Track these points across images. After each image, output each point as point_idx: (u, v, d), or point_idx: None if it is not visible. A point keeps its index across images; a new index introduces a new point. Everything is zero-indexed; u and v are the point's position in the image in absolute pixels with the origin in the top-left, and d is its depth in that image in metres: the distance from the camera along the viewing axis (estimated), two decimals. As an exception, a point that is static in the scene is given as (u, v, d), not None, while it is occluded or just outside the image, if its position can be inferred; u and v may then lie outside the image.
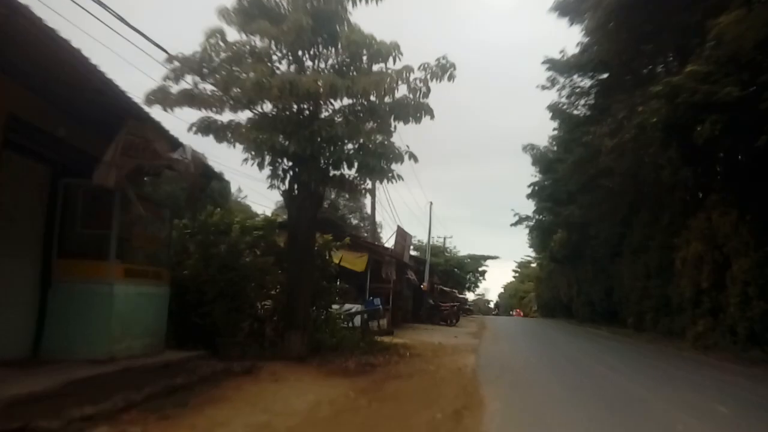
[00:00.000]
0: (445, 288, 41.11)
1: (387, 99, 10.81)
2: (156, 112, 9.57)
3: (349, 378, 9.71)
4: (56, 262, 7.58)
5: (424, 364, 11.96)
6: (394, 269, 21.82)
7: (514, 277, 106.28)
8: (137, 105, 6.93)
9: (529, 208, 48.23)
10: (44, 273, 7.52)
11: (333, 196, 54.22)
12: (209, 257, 10.71)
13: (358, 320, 17.67)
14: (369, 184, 12.09)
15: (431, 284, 32.39)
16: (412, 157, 11.00)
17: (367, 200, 50.76)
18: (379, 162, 10.36)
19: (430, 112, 11.32)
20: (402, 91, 11.10)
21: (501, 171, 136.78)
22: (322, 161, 10.68)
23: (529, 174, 41.64)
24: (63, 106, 7.17)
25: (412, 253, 30.14)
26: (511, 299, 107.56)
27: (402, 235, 24.00)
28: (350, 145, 10.59)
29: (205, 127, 10.92)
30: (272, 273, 12.11)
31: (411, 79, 10.70)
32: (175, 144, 8.23)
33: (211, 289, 10.10)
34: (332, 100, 10.79)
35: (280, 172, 11.05)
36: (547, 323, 40.19)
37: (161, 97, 10.08)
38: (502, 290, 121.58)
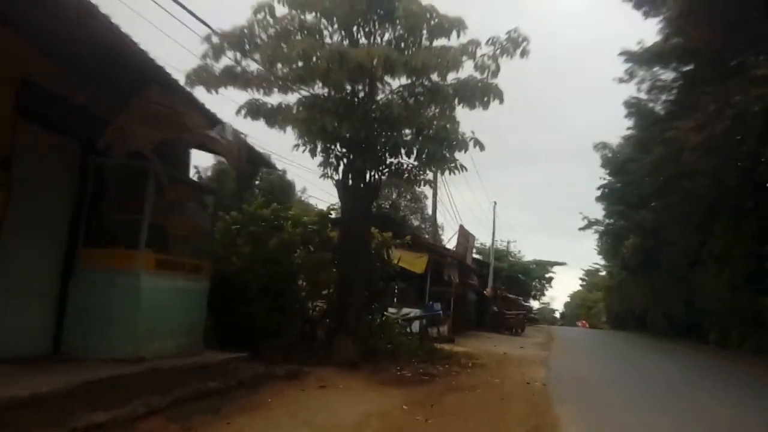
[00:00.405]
0: (509, 294, 39.36)
1: (450, 78, 9.74)
2: (201, 95, 8.84)
3: (404, 388, 8.65)
4: (81, 249, 6.86)
5: (489, 376, 10.73)
6: (456, 272, 20.57)
7: (581, 285, 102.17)
8: (163, 70, 6.12)
9: (597, 212, 45.83)
10: (67, 261, 6.82)
11: (395, 196, 53.74)
12: (256, 251, 9.88)
13: (416, 326, 16.58)
14: (429, 175, 10.96)
15: (495, 290, 30.86)
16: (478, 144, 9.83)
17: (428, 201, 49.57)
18: (441, 148, 9.26)
19: (499, 95, 10.16)
20: (467, 70, 10.02)
21: (567, 174, 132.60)
22: (378, 147, 9.67)
23: (597, 177, 39.35)
24: (84, 73, 6.44)
25: (475, 256, 28.77)
26: (578, 309, 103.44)
27: (464, 235, 22.71)
28: (408, 130, 9.51)
29: (254, 110, 10.13)
30: (326, 270, 11.21)
31: (478, 55, 9.59)
32: (212, 121, 7.42)
33: (253, 286, 9.25)
34: (389, 79, 9.80)
35: (333, 159, 10.12)
36: (618, 336, 37.71)
37: (203, 76, 9.36)
38: (568, 299, 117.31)
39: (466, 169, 10.19)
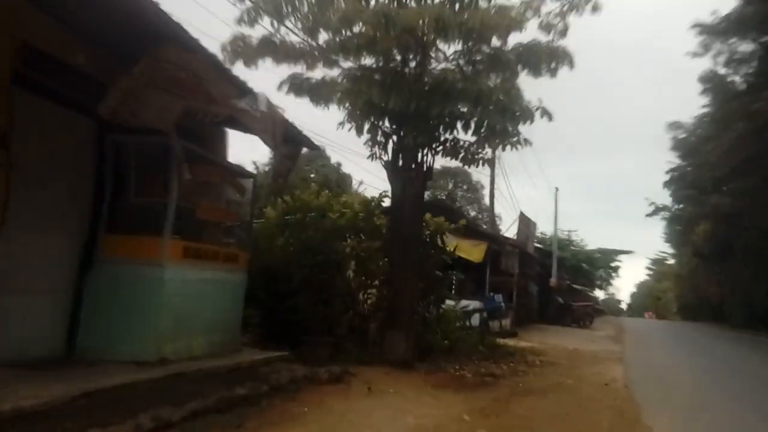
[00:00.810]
0: (575, 285, 37.44)
1: (512, 42, 8.61)
2: (240, 71, 8.00)
3: (464, 392, 7.64)
4: (103, 238, 6.13)
5: (560, 376, 9.55)
6: (517, 261, 19.26)
7: (648, 275, 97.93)
8: (179, 26, 5.26)
9: (664, 199, 43.27)
10: (86, 251, 6.10)
11: (450, 187, 52.32)
12: (300, 240, 9.03)
13: (476, 319, 15.43)
14: (488, 153, 9.82)
15: (560, 280, 29.21)
16: (546, 114, 8.63)
17: (485, 191, 48.00)
18: (503, 120, 8.12)
19: (568, 60, 8.98)
20: (531, 32, 8.85)
21: (629, 162, 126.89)
22: (431, 121, 8.61)
23: (661, 164, 37.19)
24: (94, 38, 5.67)
25: (536, 245, 27.24)
26: (646, 300, 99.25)
27: (525, 222, 21.32)
28: (465, 101, 8.39)
29: (297, 86, 9.26)
30: (376, 260, 10.27)
31: (543, 12, 8.42)
32: (242, 90, 6.55)
33: (295, 277, 8.40)
34: (442, 45, 8.73)
35: (380, 137, 9.13)
36: (693, 327, 35.25)
37: (239, 47, 8.53)
38: (634, 289, 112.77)
39: (531, 143, 9.02)
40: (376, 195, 10.90)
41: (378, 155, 9.32)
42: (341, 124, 9.02)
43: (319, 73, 9.36)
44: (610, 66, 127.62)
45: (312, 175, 36.47)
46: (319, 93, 9.21)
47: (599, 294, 62.63)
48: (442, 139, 9.07)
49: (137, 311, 5.92)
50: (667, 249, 67.67)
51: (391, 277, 9.30)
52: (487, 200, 41.23)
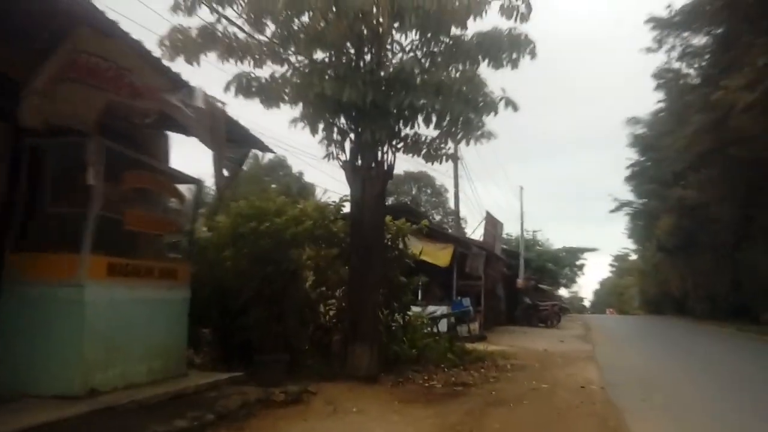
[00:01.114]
0: (541, 285, 37.36)
1: (472, 29, 8.11)
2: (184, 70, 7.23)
3: (433, 405, 7.05)
4: (10, 256, 5.31)
5: (534, 381, 9.03)
6: (483, 263, 18.79)
7: (611, 272, 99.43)
8: (93, 6, 4.53)
9: (627, 195, 43.78)
10: (-6, 272, 5.28)
11: (414, 192, 51.89)
12: (247, 250, 8.30)
13: (443, 325, 14.89)
14: (451, 148, 9.25)
15: (527, 281, 28.95)
16: (510, 104, 8.13)
17: (449, 195, 47.57)
18: (466, 109, 7.57)
19: (530, 49, 8.52)
20: (492, 19, 8.35)
21: (587, 162, 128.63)
22: (390, 115, 7.99)
23: (620, 162, 37.72)
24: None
25: (502, 246, 26.90)
26: (609, 296, 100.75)
27: (491, 222, 20.89)
28: (425, 92, 7.81)
29: (244, 86, 8.52)
30: (335, 268, 9.61)
31: (504, -5, 7.91)
32: (175, 83, 5.83)
33: (244, 290, 7.67)
34: (398, 34, 8.16)
35: (336, 135, 8.49)
36: (658, 321, 35.49)
37: (178, 40, 7.78)
38: (597, 287, 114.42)
39: (495, 136, 8.52)
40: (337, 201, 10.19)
41: (335, 155, 8.69)
42: (293, 122, 8.36)
43: (267, 71, 8.70)
44: (570, 65, 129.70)
45: (273, 186, 35.50)
46: (268, 92, 8.51)
47: (564, 293, 63.15)
48: (402, 134, 8.48)
49: (57, 339, 5.12)
50: (630, 245, 68.80)
51: (352, 286, 8.64)
52: (451, 204, 41.00)
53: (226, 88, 8.53)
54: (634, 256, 72.74)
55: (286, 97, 8.27)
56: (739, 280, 29.56)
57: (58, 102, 4.95)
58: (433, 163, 8.91)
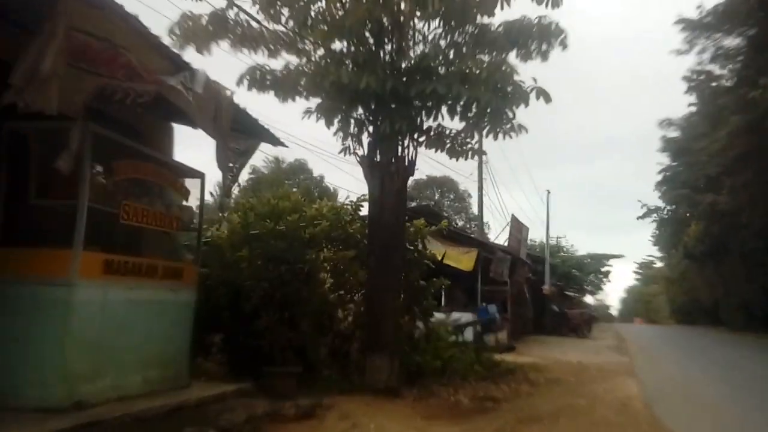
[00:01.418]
0: (568, 292, 36.30)
1: (498, 18, 7.54)
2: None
3: (460, 423, 6.43)
4: (-3, 252, 4.82)
5: (570, 397, 8.31)
6: (508, 268, 18.02)
7: (636, 279, 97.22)
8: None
9: (653, 201, 42.58)
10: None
11: (437, 197, 51.09)
12: (259, 250, 7.76)
13: (469, 333, 14.18)
14: (476, 142, 8.59)
15: (554, 287, 27.96)
16: (542, 95, 7.46)
17: (473, 200, 46.68)
18: (494, 98, 6.94)
19: (561, 39, 7.92)
20: (520, 7, 7.76)
21: (615, 169, 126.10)
22: (412, 105, 7.40)
23: (645, 169, 36.75)
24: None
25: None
26: (636, 304, 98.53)
27: (517, 226, 20.10)
28: (450, 80, 7.20)
29: (259, 79, 8.02)
30: (352, 271, 9.03)
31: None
32: (177, 65, 5.31)
33: (255, 293, 7.11)
34: (421, 25, 7.59)
35: (354, 128, 7.92)
36: (691, 332, 34.14)
37: (188, 27, 7.31)
38: (624, 294, 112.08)
39: (527, 130, 7.86)
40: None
41: (352, 149, 8.11)
42: (307, 112, 7.80)
43: (281, 63, 8.20)
44: (593, 69, 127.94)
45: (294, 190, 35.10)
46: (283, 84, 7.99)
47: (589, 300, 61.73)
48: (425, 127, 7.87)
49: (41, 344, 4.60)
50: (655, 252, 67.12)
51: (370, 290, 8.04)
52: (474, 209, 40.10)
53: (239, 81, 8.08)
54: (659, 264, 70.99)
55: (302, 89, 7.74)
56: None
57: (46, 83, 4.44)
58: (457, 159, 8.31)
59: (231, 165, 6.80)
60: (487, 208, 24.92)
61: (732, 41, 26.06)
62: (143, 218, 5.52)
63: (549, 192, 32.95)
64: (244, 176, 34.22)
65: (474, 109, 7.19)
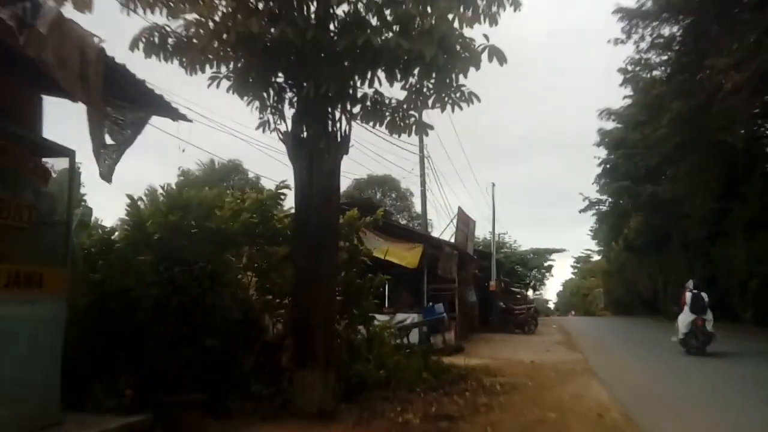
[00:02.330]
0: (513, 287, 35.81)
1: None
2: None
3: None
4: None
5: (535, 409, 7.15)
6: (456, 264, 17.00)
7: (573, 273, 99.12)
8: None
9: (592, 195, 42.89)
10: None
11: (379, 196, 49.93)
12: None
13: (415, 335, 13.02)
14: (420, 115, 7.32)
15: (500, 283, 27.23)
16: (496, 55, 6.29)
17: (415, 200, 45.68)
18: (440, 54, 5.72)
19: (513, -1, 6.79)
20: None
21: (544, 166, 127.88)
22: (342, 64, 6.09)
23: (582, 165, 36.87)
24: None
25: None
26: (573, 297, 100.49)
27: (464, 220, 19.10)
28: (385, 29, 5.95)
29: (155, 43, 6.51)
30: (280, 271, 7.69)
31: None
32: None
33: (142, 303, 5.65)
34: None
35: (272, 98, 6.56)
36: (632, 323, 34.09)
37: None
38: (560, 288, 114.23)
39: (479, 99, 6.70)
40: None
41: (272, 124, 6.73)
42: (213, 79, 6.39)
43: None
44: (526, 69, 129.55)
45: (229, 192, 33.11)
46: (188, 48, 6.53)
47: (530, 295, 62.03)
48: (359, 95, 6.58)
49: None
50: (593, 246, 68.32)
51: (297, 293, 6.70)
52: (417, 208, 39.07)
53: (133, 46, 6.52)
54: (596, 257, 72.35)
55: (207, 51, 6.31)
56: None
57: None
58: (399, 135, 7.05)
59: (108, 138, 5.36)
60: (430, 205, 23.64)
61: (671, 29, 26.09)
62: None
63: (494, 184, 32.19)
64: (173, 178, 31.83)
65: (417, 70, 5.97)
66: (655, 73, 27.65)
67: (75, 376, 5.33)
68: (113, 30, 6.69)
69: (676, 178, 26.33)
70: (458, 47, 6.03)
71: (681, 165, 25.01)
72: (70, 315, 5.21)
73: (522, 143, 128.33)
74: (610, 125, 33.78)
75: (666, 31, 25.90)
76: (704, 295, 13.48)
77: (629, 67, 29.00)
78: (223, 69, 6.56)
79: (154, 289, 5.78)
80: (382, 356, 8.76)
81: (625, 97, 31.21)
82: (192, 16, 6.51)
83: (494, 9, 6.82)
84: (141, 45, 6.51)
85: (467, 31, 6.41)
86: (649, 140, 26.10)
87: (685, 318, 13.35)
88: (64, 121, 7.24)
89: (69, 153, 5.15)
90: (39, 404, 4.68)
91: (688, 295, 13.57)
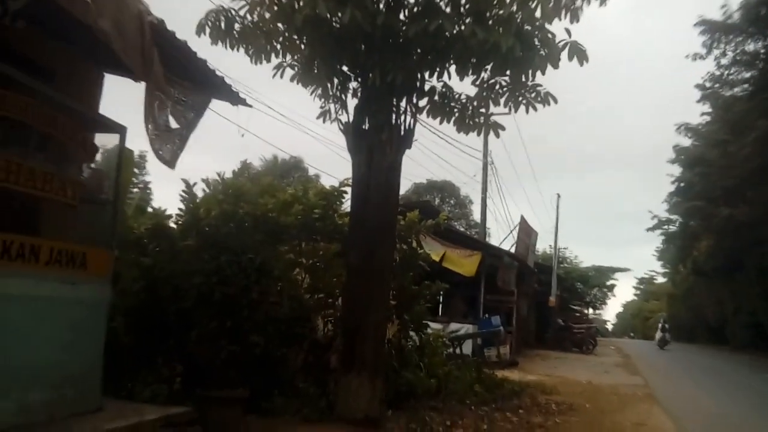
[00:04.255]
0: (572, 305, 34.55)
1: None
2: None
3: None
4: None
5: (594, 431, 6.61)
6: (515, 276, 16.36)
7: (635, 295, 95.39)
8: None
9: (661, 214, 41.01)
10: None
11: (437, 202, 49.42)
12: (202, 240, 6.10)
13: (468, 346, 12.54)
14: (491, 114, 6.88)
15: (560, 299, 26.17)
16: (576, 53, 5.78)
17: (474, 207, 44.95)
18: (517, 46, 5.28)
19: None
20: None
21: (616, 183, 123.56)
22: (411, 53, 5.75)
23: (649, 182, 35.01)
24: None
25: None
26: (634, 319, 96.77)
27: (526, 230, 18.43)
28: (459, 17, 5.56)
29: (224, 29, 6.36)
30: (333, 269, 7.40)
31: None
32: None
33: (188, 292, 5.44)
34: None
35: (335, 87, 6.28)
36: (697, 351, 32.25)
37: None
38: (621, 309, 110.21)
39: (556, 101, 6.21)
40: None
41: (333, 114, 6.46)
42: (278, 68, 6.17)
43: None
44: (598, 83, 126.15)
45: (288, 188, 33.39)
46: (252, 35, 6.34)
47: (590, 314, 60.01)
48: (427, 87, 6.22)
49: None
50: (658, 268, 65.43)
51: (349, 293, 6.39)
52: (476, 216, 38.28)
53: (199, 31, 6.40)
54: (661, 279, 69.29)
55: (270, 34, 6.10)
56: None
57: None
58: (467, 133, 6.64)
59: (172, 121, 5.18)
60: (490, 213, 22.64)
61: (755, 45, 24.70)
62: (10, 176, 3.85)
63: (559, 195, 31.15)
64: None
65: (490, 64, 5.56)
66: (736, 89, 26.23)
67: (120, 363, 5.20)
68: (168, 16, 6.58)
69: (755, 201, 24.65)
70: (536, 41, 5.57)
71: (761, 187, 23.38)
72: (119, 300, 5.07)
73: (587, 156, 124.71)
74: (686, 141, 32.16)
75: (750, 47, 24.58)
76: None
77: (707, 84, 27.67)
78: (288, 58, 6.39)
79: (197, 277, 5.57)
80: (432, 365, 8.39)
81: (703, 113, 29.71)
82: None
83: (578, 2, 6.33)
84: (207, 30, 6.39)
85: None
86: (733, 159, 24.58)
87: None
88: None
89: (120, 129, 4.98)
90: (77, 389, 4.50)
91: None
